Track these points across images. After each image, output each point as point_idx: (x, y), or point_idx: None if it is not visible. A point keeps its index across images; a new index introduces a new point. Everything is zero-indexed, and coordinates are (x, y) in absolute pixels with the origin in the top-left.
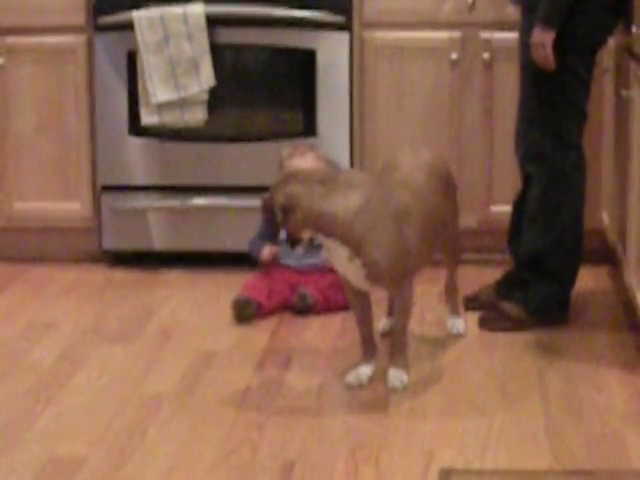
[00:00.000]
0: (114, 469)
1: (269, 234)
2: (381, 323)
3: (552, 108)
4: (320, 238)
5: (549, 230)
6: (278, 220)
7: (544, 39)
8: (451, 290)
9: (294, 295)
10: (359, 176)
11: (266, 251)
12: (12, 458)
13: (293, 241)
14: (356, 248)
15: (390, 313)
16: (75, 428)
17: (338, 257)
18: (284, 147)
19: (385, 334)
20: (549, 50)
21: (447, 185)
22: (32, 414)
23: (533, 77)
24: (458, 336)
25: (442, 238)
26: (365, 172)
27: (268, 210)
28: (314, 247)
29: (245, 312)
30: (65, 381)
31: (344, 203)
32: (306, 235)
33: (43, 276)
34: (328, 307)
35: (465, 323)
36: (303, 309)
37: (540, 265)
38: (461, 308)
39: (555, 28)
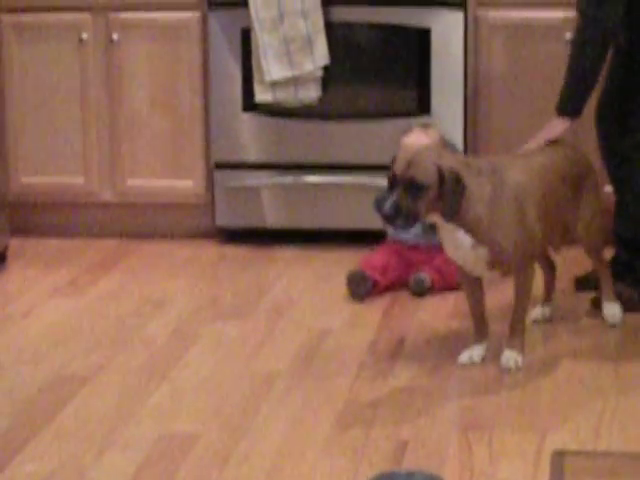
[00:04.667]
0: (228, 446)
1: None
2: (534, 311)
3: None
4: (443, 225)
5: None
6: (422, 191)
7: (559, 127)
8: (602, 276)
9: (410, 276)
10: (485, 161)
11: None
12: (127, 434)
13: (410, 223)
14: (482, 237)
15: (546, 300)
16: (189, 404)
17: (458, 246)
18: (405, 126)
19: (537, 321)
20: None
21: (579, 173)
22: (146, 390)
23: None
24: (612, 326)
25: (567, 224)
26: (485, 156)
27: (407, 179)
28: (431, 229)
29: (359, 288)
30: (179, 357)
31: (478, 192)
32: (432, 219)
33: (156, 252)
34: (444, 288)
35: (577, 305)
36: (419, 293)
37: None
38: (612, 293)
39: (571, 117)
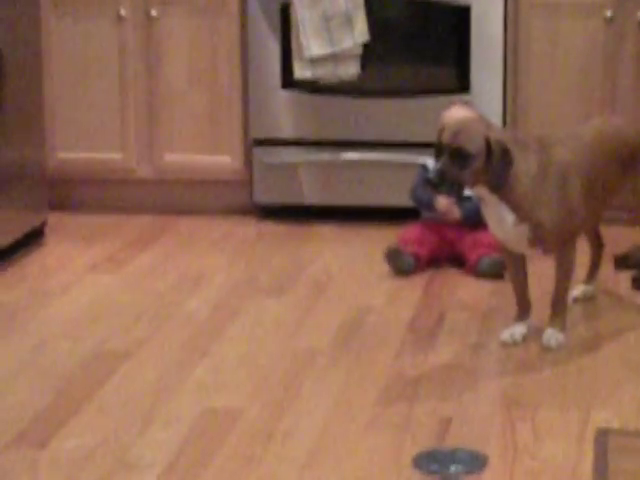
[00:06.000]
0: (271, 422)
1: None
2: (577, 290)
3: None
4: (486, 199)
5: None
6: (468, 160)
7: None
8: None
9: (481, 258)
10: (530, 138)
11: (443, 200)
12: (169, 409)
13: (456, 192)
14: (526, 213)
15: (588, 280)
16: (231, 380)
17: (501, 222)
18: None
19: (577, 300)
20: None
21: (632, 153)
22: (188, 366)
23: None
24: None
25: (609, 203)
26: (530, 133)
27: (454, 147)
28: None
29: (399, 263)
30: (219, 333)
31: (524, 167)
32: (477, 191)
33: (193, 228)
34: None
35: (617, 284)
36: (493, 274)
37: None
38: None
39: None
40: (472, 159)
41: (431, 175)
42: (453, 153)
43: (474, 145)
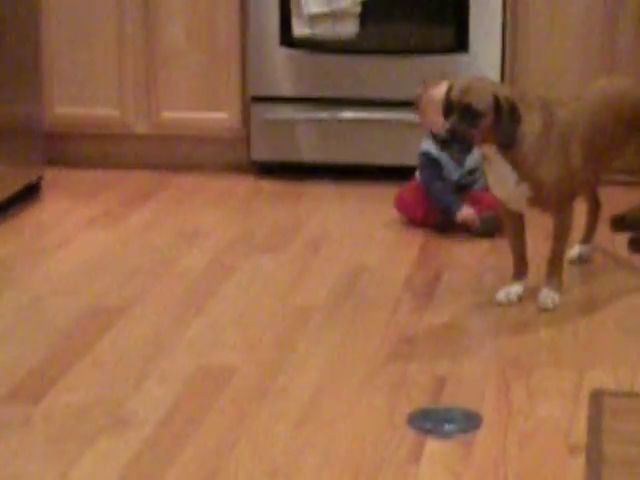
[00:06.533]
0: (265, 379)
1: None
2: (573, 250)
3: None
4: (490, 157)
5: None
6: (478, 118)
7: None
8: None
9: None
10: (535, 97)
11: (464, 212)
12: (164, 366)
13: (466, 149)
14: (527, 172)
15: (585, 240)
16: (226, 337)
17: (503, 181)
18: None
19: (573, 261)
20: None
21: (635, 112)
22: (182, 322)
23: None
24: None
25: (612, 164)
26: (533, 93)
27: (464, 105)
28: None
29: (489, 227)
30: (215, 290)
31: (530, 126)
32: (485, 149)
33: (191, 185)
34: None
35: (614, 246)
36: (489, 233)
37: None
38: None
39: None
40: (481, 116)
41: (442, 133)
42: (463, 111)
43: (483, 102)
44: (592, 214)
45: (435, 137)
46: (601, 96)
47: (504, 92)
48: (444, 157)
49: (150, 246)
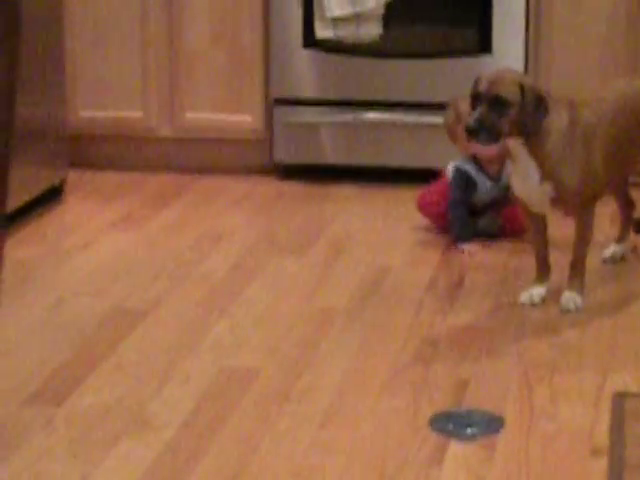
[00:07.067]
0: (288, 381)
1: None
2: (607, 250)
3: None
4: (516, 154)
5: None
6: (505, 108)
7: None
8: None
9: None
10: (560, 95)
11: (472, 249)
12: (186, 368)
13: (493, 139)
14: (551, 171)
15: (619, 240)
16: (248, 339)
17: (527, 180)
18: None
19: (608, 260)
20: None
21: None
22: (205, 325)
23: None
24: None
25: (636, 166)
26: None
27: (492, 96)
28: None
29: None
30: (238, 292)
31: (557, 123)
32: (511, 144)
33: (213, 187)
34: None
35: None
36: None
37: None
38: None
39: None
40: (509, 106)
41: (470, 123)
42: (491, 101)
43: (511, 93)
44: (625, 214)
45: (475, 160)
46: (620, 97)
47: (531, 82)
48: (480, 175)
49: (173, 248)
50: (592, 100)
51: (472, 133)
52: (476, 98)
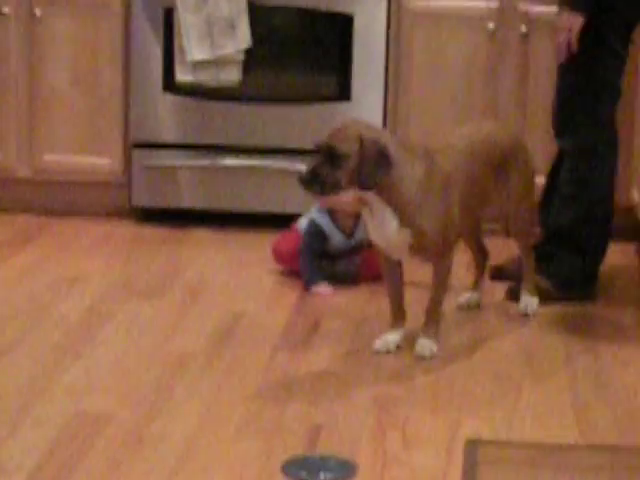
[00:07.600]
0: (142, 426)
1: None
2: (463, 297)
3: (586, 83)
4: (371, 203)
5: (578, 205)
6: (342, 160)
7: (572, 23)
8: (526, 263)
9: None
10: (418, 145)
11: (323, 290)
12: (38, 412)
13: (328, 191)
14: (409, 218)
15: (474, 286)
16: (102, 383)
17: (384, 227)
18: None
19: (463, 306)
20: (575, 36)
21: (504, 157)
22: (59, 368)
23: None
24: (526, 315)
25: (486, 211)
26: (415, 140)
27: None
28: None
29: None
30: (92, 336)
31: (411, 172)
32: (364, 195)
33: (71, 230)
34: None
35: (491, 295)
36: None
37: (567, 239)
38: (533, 283)
39: (585, 12)
40: (345, 159)
41: (302, 174)
42: (327, 153)
43: (348, 145)
44: (479, 261)
45: (330, 212)
46: (469, 142)
47: (373, 136)
48: (333, 230)
49: (29, 291)
50: (444, 147)
51: (305, 184)
52: (316, 150)
